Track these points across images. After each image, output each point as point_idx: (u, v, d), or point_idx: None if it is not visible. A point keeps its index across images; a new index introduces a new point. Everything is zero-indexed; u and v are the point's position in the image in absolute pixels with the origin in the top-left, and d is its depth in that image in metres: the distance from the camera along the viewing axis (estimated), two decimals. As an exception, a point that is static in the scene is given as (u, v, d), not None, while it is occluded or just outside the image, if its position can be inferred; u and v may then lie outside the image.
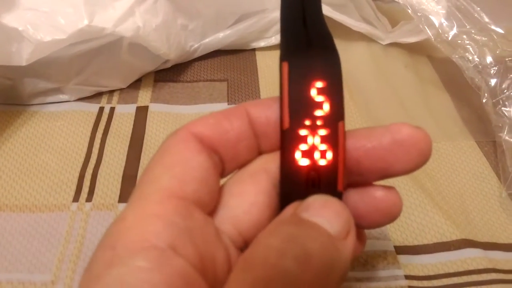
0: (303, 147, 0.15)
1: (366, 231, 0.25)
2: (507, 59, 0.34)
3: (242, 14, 0.38)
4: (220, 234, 0.15)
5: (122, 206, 0.27)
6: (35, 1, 0.30)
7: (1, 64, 0.29)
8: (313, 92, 0.15)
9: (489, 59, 0.34)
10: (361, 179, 0.16)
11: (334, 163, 0.15)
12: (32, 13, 0.29)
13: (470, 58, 0.34)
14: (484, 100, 0.33)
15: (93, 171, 0.29)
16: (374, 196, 0.16)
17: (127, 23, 0.31)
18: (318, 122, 0.15)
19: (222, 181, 0.17)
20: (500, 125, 0.32)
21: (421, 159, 0.16)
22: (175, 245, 0.13)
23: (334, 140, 0.15)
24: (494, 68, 0.33)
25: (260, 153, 0.17)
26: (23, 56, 0.29)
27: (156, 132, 0.32)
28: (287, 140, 0.15)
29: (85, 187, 0.28)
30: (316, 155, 0.15)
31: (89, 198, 0.27)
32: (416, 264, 0.25)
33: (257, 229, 0.15)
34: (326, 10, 0.39)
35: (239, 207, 0.16)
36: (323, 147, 0.15)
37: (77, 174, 0.28)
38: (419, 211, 0.27)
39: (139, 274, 0.12)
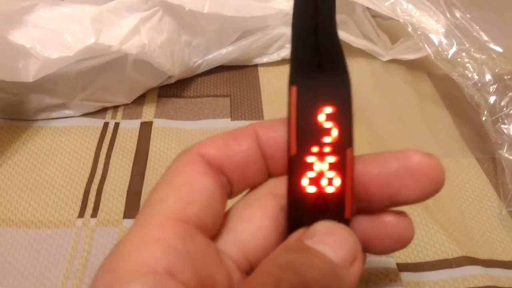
0: (310, 174, 0.15)
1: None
2: (506, 77, 0.34)
3: (244, 30, 0.39)
4: (222, 257, 0.15)
5: (127, 221, 0.27)
6: (43, 19, 0.30)
7: (8, 80, 0.29)
8: (322, 118, 0.15)
9: (488, 77, 0.34)
10: (368, 205, 0.16)
11: (341, 191, 0.15)
12: (39, 31, 0.30)
13: (470, 75, 0.35)
14: (483, 118, 0.33)
15: (98, 187, 0.29)
16: (385, 222, 0.16)
17: (133, 40, 0.31)
18: (326, 149, 0.15)
19: (230, 202, 0.17)
20: (500, 142, 0.32)
21: (432, 188, 0.15)
22: (173, 270, 0.13)
23: (342, 167, 0.15)
24: (493, 86, 0.34)
25: (270, 175, 0.17)
26: (30, 73, 0.30)
27: (160, 147, 0.32)
28: (294, 167, 0.15)
29: (90, 203, 0.28)
30: (324, 182, 0.15)
31: (94, 214, 0.27)
32: (418, 282, 0.25)
33: (263, 253, 0.15)
34: (328, 27, 0.40)
35: (246, 231, 0.16)
36: (330, 174, 0.15)
37: (82, 190, 0.29)
38: (421, 228, 0.28)
39: None
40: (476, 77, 0.35)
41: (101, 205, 0.28)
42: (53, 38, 0.30)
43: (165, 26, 0.34)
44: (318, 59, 0.15)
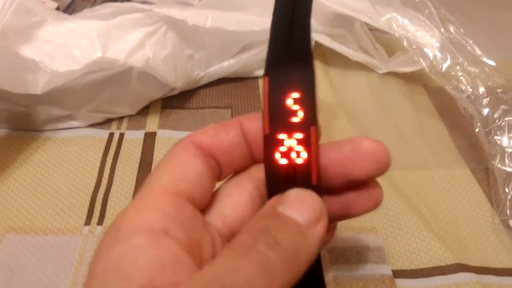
0: (282, 148, 0.18)
1: (366, 256, 0.27)
2: (498, 90, 0.35)
3: (245, 44, 0.40)
4: (208, 226, 0.18)
5: (132, 229, 0.28)
6: (52, 34, 0.31)
7: (18, 92, 0.31)
8: (290, 102, 0.18)
9: (481, 89, 0.36)
10: (329, 184, 0.19)
11: (308, 161, 0.17)
12: (48, 45, 0.31)
13: (463, 88, 0.36)
14: (477, 129, 0.34)
15: (104, 195, 0.30)
16: (362, 188, 0.20)
17: (138, 54, 0.32)
18: (294, 127, 0.18)
19: (219, 184, 0.20)
20: (493, 153, 0.33)
21: (378, 166, 0.18)
22: (167, 229, 0.16)
23: (307, 142, 0.17)
24: (486, 98, 0.35)
25: (253, 160, 0.20)
26: (39, 85, 0.31)
27: (164, 157, 0.33)
28: (268, 143, 0.18)
29: (96, 211, 0.29)
30: (293, 155, 0.18)
31: (100, 222, 0.28)
32: (412, 288, 0.26)
33: (241, 223, 0.19)
34: (327, 40, 0.41)
35: (227, 205, 0.19)
36: (298, 148, 0.18)
37: (88, 198, 0.30)
38: (416, 236, 0.29)
39: (137, 249, 0.15)
40: (469, 89, 0.36)
41: (106, 213, 0.29)
42: (61, 52, 0.31)
43: (169, 40, 0.35)
44: (289, 54, 0.18)
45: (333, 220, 0.20)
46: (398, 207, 0.30)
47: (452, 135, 0.37)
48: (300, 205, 0.17)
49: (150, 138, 0.35)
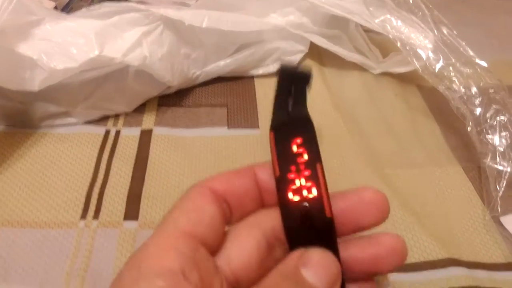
0: (293, 187, 0.19)
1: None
2: (490, 90, 0.36)
3: (241, 44, 0.40)
4: (218, 269, 0.19)
5: (127, 223, 0.28)
6: (50, 32, 0.32)
7: (15, 89, 0.31)
8: (295, 147, 0.19)
9: (473, 90, 0.36)
10: (341, 232, 0.19)
11: (319, 195, 0.18)
12: (46, 43, 0.31)
13: (456, 88, 0.36)
14: (469, 129, 0.35)
15: (99, 190, 0.30)
16: (380, 240, 0.20)
17: (135, 53, 0.33)
18: (301, 167, 0.19)
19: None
20: (484, 152, 0.34)
21: (381, 215, 0.20)
22: (184, 270, 0.17)
23: (315, 177, 0.18)
24: (478, 98, 0.36)
25: (263, 205, 0.21)
26: (36, 82, 0.31)
27: (160, 154, 0.33)
28: (280, 184, 0.19)
29: (92, 205, 0.29)
30: (304, 192, 0.18)
31: (95, 216, 0.29)
32: (405, 282, 0.26)
33: (246, 268, 0.19)
34: (322, 41, 0.42)
35: (233, 250, 0.19)
36: (308, 184, 0.18)
37: (84, 193, 0.30)
38: (408, 231, 0.29)
39: None
40: (462, 90, 0.36)
41: (102, 207, 0.29)
42: (59, 50, 0.31)
43: (166, 39, 0.35)
44: (290, 112, 0.20)
45: (362, 277, 0.20)
46: (392, 204, 0.30)
47: (445, 134, 0.38)
48: (322, 270, 0.17)
49: (146, 135, 0.35)
